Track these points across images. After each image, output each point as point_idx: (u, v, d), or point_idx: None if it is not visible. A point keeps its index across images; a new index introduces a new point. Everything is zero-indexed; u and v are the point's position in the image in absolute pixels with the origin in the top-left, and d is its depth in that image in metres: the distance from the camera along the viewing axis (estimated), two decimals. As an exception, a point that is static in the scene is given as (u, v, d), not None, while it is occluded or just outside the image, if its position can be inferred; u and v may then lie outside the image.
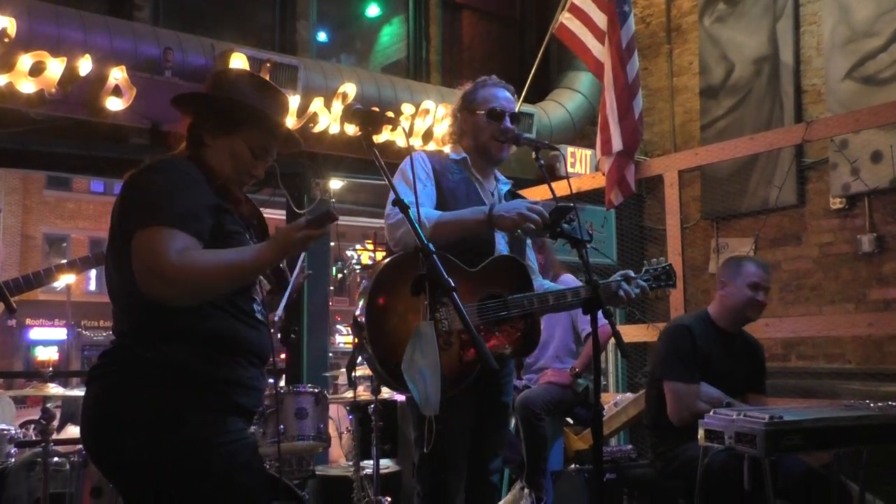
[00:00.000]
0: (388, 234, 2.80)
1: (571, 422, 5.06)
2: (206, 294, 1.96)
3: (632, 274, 3.02)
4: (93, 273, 22.78)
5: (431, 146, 6.52)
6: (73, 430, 5.80)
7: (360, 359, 4.31)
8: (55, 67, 5.16)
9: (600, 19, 5.62)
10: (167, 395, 1.96)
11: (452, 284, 1.86)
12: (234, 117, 2.16)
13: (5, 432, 4.42)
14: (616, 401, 5.08)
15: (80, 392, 7.06)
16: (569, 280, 4.49)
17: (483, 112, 3.01)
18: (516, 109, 3.10)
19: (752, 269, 3.72)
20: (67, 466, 4.32)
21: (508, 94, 3.09)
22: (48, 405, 4.23)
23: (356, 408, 4.90)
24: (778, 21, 6.96)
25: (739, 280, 3.71)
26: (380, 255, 5.54)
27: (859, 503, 3.68)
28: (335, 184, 6.75)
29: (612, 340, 3.31)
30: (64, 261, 3.78)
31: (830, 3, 6.56)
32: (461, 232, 2.80)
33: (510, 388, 3.14)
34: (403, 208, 2.01)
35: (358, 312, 2.70)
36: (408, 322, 2.50)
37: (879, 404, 3.56)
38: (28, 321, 22.14)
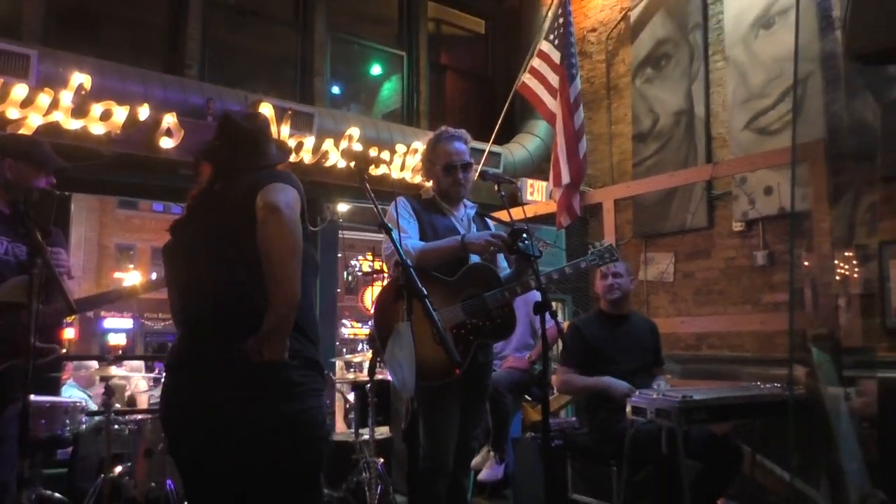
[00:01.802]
0: (386, 264, 2.81)
1: (529, 399, 5.03)
2: None
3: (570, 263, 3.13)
4: (154, 275, 22.66)
5: (419, 178, 6.50)
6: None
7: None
8: (120, 114, 5.14)
9: (554, 79, 5.64)
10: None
11: (425, 292, 1.83)
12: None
13: (79, 404, 4.38)
14: (563, 381, 5.04)
15: (139, 374, 6.98)
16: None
17: (440, 167, 2.99)
18: (469, 157, 3.05)
19: (603, 271, 3.79)
20: (126, 432, 4.28)
21: (461, 146, 3.03)
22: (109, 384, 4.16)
23: (356, 386, 4.86)
24: (693, 83, 6.99)
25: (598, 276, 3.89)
26: (378, 264, 5.52)
27: (751, 462, 3.68)
28: (342, 207, 6.73)
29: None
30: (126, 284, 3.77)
31: (732, 70, 6.60)
32: (441, 257, 2.82)
33: (491, 371, 3.14)
34: (387, 231, 2.00)
35: (371, 327, 2.75)
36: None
37: (768, 385, 3.58)
38: (102, 313, 21.95)
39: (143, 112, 5.21)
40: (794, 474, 3.47)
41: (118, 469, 4.03)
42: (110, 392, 4.11)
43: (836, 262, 4.08)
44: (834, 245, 3.89)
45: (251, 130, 2.11)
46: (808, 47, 5.88)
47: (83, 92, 5.00)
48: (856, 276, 5.13)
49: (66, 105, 4.94)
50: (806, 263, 4.28)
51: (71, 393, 5.58)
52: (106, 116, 5.09)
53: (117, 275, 21.51)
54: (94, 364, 6.02)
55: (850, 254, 5.02)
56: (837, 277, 4.24)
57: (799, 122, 5.67)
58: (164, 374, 2.05)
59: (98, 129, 5.08)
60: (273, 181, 1.86)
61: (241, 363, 1.79)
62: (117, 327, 22.77)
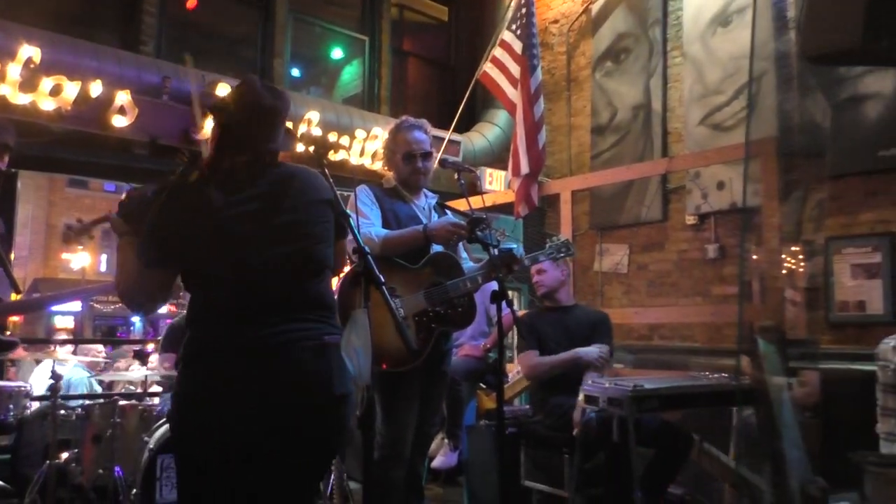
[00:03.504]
0: (349, 251, 2.78)
1: (484, 386, 5.05)
2: None
3: (528, 256, 3.15)
4: (104, 256, 22.08)
5: (378, 165, 6.46)
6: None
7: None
8: (71, 89, 4.97)
9: (515, 69, 5.63)
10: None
11: (382, 279, 1.82)
12: None
13: (23, 389, 4.26)
14: (518, 370, 5.08)
15: (91, 357, 6.78)
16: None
17: (400, 155, 2.99)
18: (429, 146, 3.05)
19: (533, 268, 3.88)
20: (74, 417, 4.18)
21: (421, 135, 3.02)
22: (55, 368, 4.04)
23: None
24: (651, 78, 7.08)
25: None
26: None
27: (699, 450, 3.76)
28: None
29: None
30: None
31: (689, 66, 6.70)
32: (404, 246, 2.82)
33: (450, 359, 3.14)
34: (346, 218, 1.97)
35: None
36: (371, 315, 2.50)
37: (715, 375, 3.65)
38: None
39: (96, 88, 5.05)
40: (738, 461, 3.56)
41: (64, 455, 3.93)
42: (57, 377, 4.00)
43: (783, 256, 4.18)
44: (782, 240, 3.98)
45: (276, 109, 1.99)
46: (763, 46, 6.00)
47: (32, 65, 4.82)
48: (802, 270, 5.27)
49: (13, 78, 4.76)
50: (755, 257, 4.38)
51: (80, 375, 5.47)
52: (56, 91, 4.92)
53: (65, 255, 20.89)
54: (100, 347, 5.86)
55: (798, 249, 5.16)
56: (784, 271, 4.34)
57: (752, 119, 5.80)
58: (196, 362, 1.85)
59: (48, 104, 4.91)
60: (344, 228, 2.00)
61: (323, 343, 1.87)
62: (65, 310, 22.17)
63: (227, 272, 1.84)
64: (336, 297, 2.71)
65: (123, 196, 2.11)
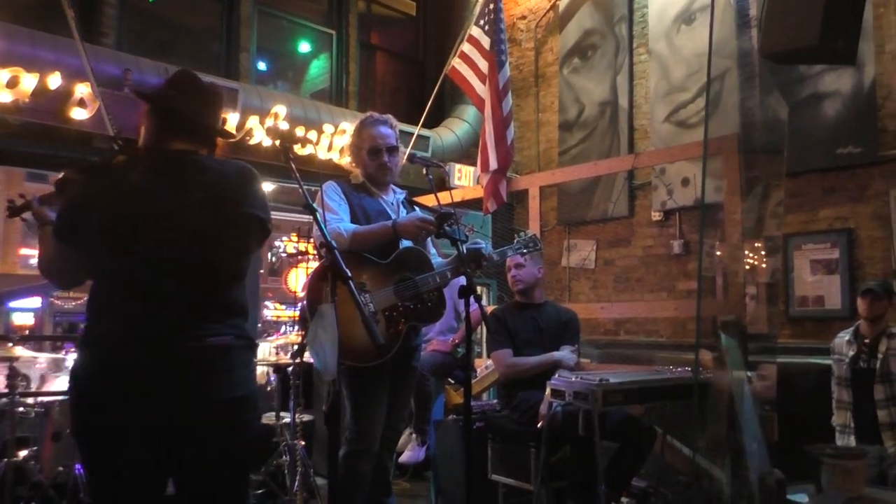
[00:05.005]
0: (316, 244, 2.79)
1: (452, 381, 5.07)
2: None
3: (497, 251, 3.20)
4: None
5: (346, 159, 6.43)
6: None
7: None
8: (29, 81, 4.88)
9: (483, 65, 5.64)
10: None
11: (349, 274, 1.82)
12: None
13: (-23, 386, 4.16)
14: (486, 365, 5.11)
15: (51, 355, 6.66)
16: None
17: (366, 151, 3.00)
18: (395, 141, 3.06)
19: (508, 264, 3.87)
20: (32, 415, 4.10)
21: (387, 130, 3.03)
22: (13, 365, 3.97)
23: (278, 370, 4.78)
24: (618, 75, 7.16)
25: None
26: (302, 245, 5.42)
27: (662, 442, 3.82)
28: (267, 186, 6.56)
29: (482, 319, 3.33)
30: None
31: (655, 63, 6.79)
32: (373, 241, 2.83)
33: (419, 354, 3.16)
34: (312, 211, 1.97)
35: (300, 309, 2.71)
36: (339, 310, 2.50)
37: (678, 370, 3.72)
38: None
39: (54, 80, 4.95)
40: (697, 453, 3.63)
41: (23, 453, 3.86)
42: (15, 373, 3.93)
43: (745, 252, 4.26)
44: (744, 236, 4.06)
45: (215, 93, 1.99)
46: (725, 44, 6.10)
47: (-14, 57, 4.72)
48: (763, 266, 5.38)
49: (-32, 70, 4.65)
50: (718, 253, 4.45)
51: None
52: (13, 83, 4.82)
53: (24, 251, 20.37)
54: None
55: (759, 245, 5.26)
56: (747, 267, 4.43)
57: (715, 116, 5.90)
58: (96, 346, 1.76)
59: (4, 96, 4.81)
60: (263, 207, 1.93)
61: (205, 345, 1.76)
62: (24, 307, 21.64)
63: (139, 262, 1.76)
64: (304, 291, 2.71)
65: (60, 175, 2.04)
